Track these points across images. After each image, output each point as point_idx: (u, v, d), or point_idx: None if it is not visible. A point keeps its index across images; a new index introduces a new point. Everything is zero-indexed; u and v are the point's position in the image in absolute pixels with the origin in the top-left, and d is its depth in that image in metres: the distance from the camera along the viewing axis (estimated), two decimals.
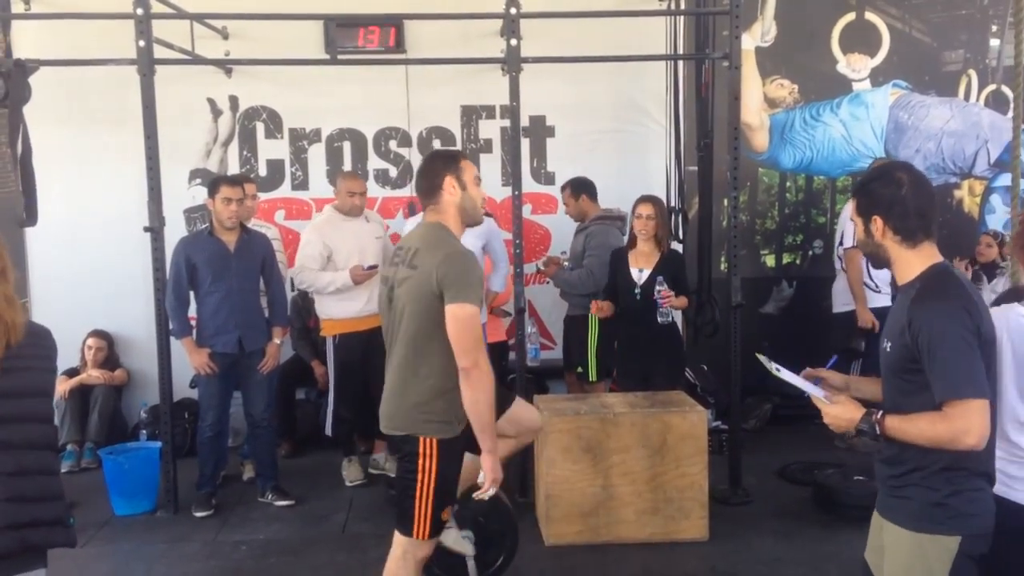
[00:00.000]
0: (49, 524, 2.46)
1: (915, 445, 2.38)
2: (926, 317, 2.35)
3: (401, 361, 3.18)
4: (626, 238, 5.70)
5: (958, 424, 2.27)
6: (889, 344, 2.51)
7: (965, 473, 2.38)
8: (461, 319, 3.02)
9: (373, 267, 5.32)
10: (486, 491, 3.17)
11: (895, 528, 2.48)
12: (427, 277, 3.06)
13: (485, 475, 3.14)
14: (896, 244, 2.49)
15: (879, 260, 2.58)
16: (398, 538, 3.24)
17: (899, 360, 2.45)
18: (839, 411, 2.53)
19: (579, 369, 5.67)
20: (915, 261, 2.48)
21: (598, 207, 5.82)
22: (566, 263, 5.75)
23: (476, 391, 3.04)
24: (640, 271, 5.20)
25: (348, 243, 5.41)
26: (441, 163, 3.32)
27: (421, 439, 3.13)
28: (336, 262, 5.38)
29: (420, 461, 3.12)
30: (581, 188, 5.80)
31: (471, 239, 5.19)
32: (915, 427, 2.35)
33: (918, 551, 2.42)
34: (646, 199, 5.28)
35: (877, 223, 2.50)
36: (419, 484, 3.13)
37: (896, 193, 2.46)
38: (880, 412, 2.43)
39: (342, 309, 5.37)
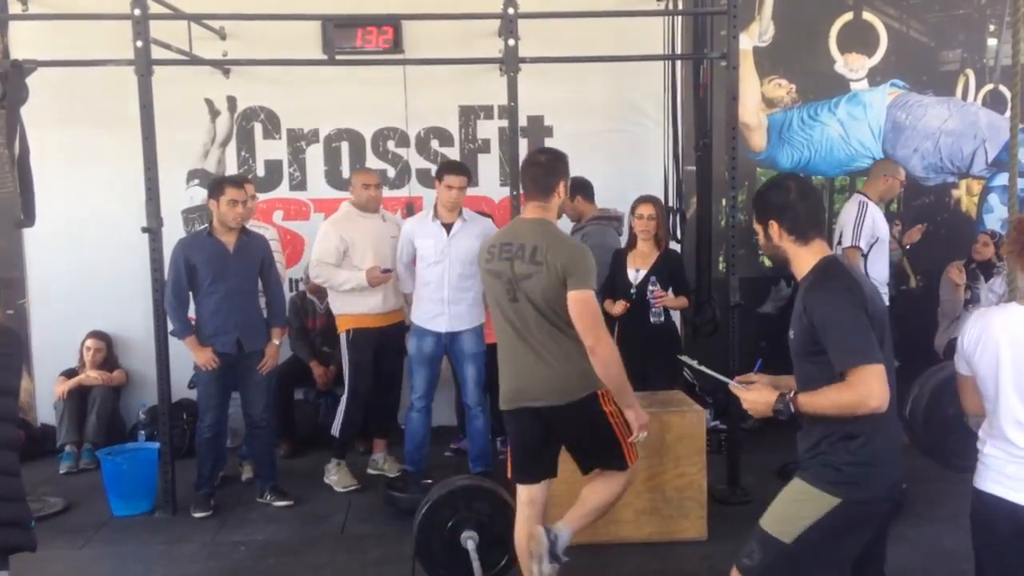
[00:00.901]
0: (9, 525, 2.42)
1: (823, 418, 2.64)
2: (817, 300, 2.64)
3: (547, 343, 3.45)
4: (623, 238, 5.71)
5: (861, 389, 2.51)
6: (792, 332, 2.76)
7: (862, 440, 2.63)
8: (583, 302, 3.38)
9: (388, 271, 5.34)
10: (636, 437, 3.56)
11: (795, 478, 2.78)
12: (555, 271, 3.38)
13: (633, 425, 3.53)
14: (791, 244, 2.78)
15: (779, 260, 2.86)
16: (616, 476, 3.62)
17: (802, 345, 2.70)
18: (755, 396, 2.80)
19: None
20: (808, 257, 2.77)
21: (595, 207, 5.82)
22: None
23: (605, 364, 3.41)
24: (637, 271, 5.23)
25: (365, 239, 5.43)
26: (562, 165, 3.59)
27: (599, 392, 3.51)
28: (352, 257, 5.40)
29: (606, 408, 3.53)
30: (576, 188, 5.78)
31: (470, 240, 5.20)
32: (825, 399, 2.59)
33: (800, 495, 2.73)
34: (646, 199, 5.28)
35: (774, 227, 2.80)
36: (614, 425, 3.54)
37: (787, 199, 2.78)
38: (792, 392, 2.69)
39: (359, 305, 5.39)
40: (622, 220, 5.75)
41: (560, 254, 3.39)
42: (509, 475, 3.74)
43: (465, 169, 5.40)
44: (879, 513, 2.73)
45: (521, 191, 3.76)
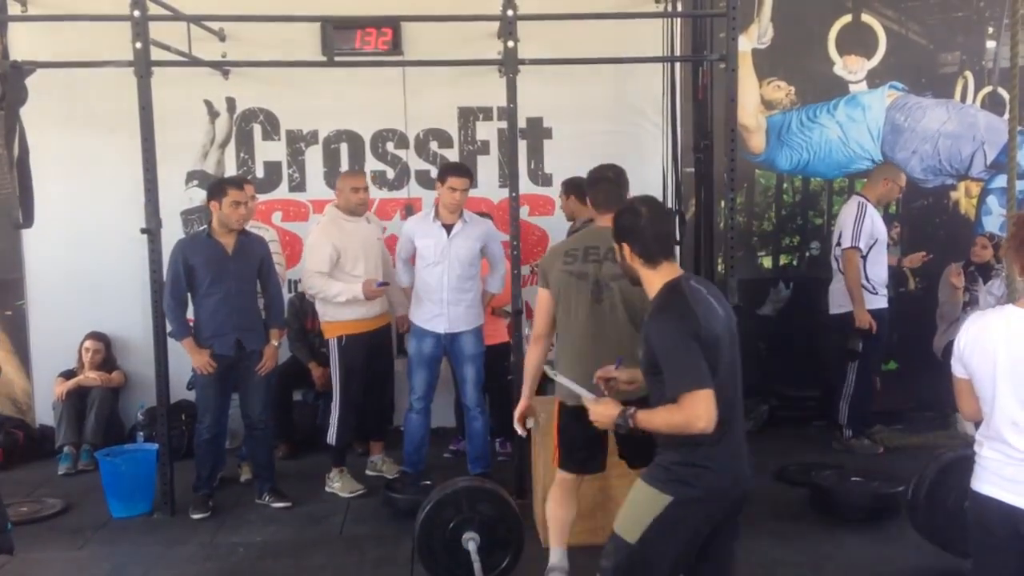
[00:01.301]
0: None
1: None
2: (652, 329, 2.83)
3: (619, 339, 3.62)
4: None
5: (688, 412, 2.70)
6: (640, 351, 2.91)
7: (693, 444, 2.79)
8: None
9: (384, 284, 5.34)
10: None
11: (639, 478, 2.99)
12: None
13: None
14: (641, 266, 2.95)
15: (634, 280, 3.03)
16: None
17: (647, 365, 2.87)
18: (601, 409, 2.97)
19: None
20: (656, 280, 2.92)
21: (587, 209, 5.81)
22: None
23: None
24: None
25: (355, 244, 5.39)
26: (626, 179, 3.94)
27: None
28: (343, 264, 5.35)
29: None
30: (571, 188, 5.79)
31: (470, 241, 5.21)
32: (659, 417, 2.79)
33: (639, 495, 2.92)
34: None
35: (626, 249, 2.98)
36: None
37: (637, 223, 2.94)
38: (633, 408, 2.85)
39: (349, 312, 5.34)
40: None
41: None
42: (557, 463, 3.94)
43: (468, 171, 5.41)
44: (716, 512, 2.88)
45: (591, 199, 4.00)
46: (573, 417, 3.69)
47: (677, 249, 5.91)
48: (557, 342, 3.92)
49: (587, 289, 3.71)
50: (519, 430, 4.02)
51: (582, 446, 3.83)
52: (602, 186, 3.93)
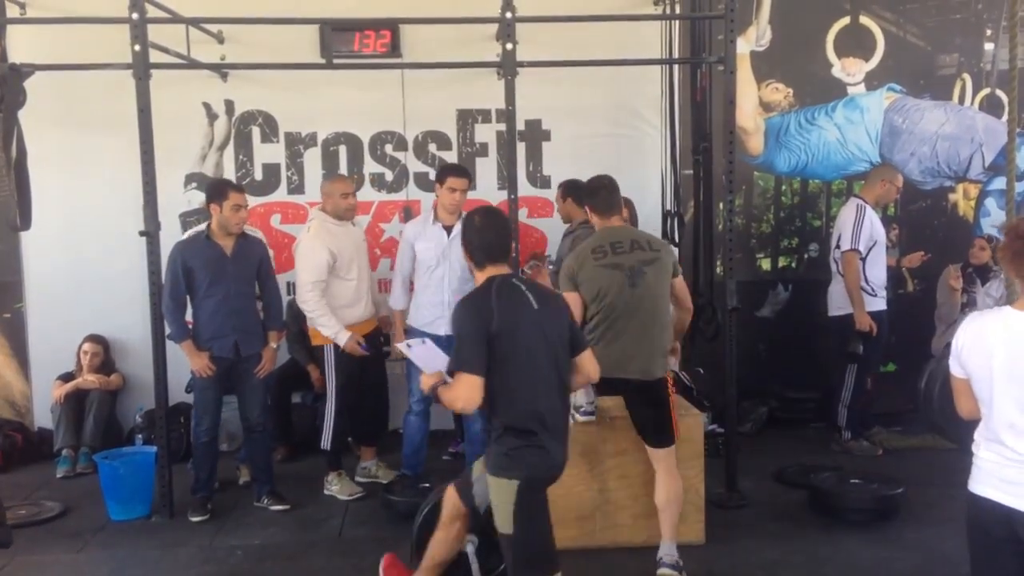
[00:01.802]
0: None
1: (486, 414, 3.35)
2: (454, 314, 3.41)
3: (650, 324, 4.14)
4: None
5: (455, 391, 3.21)
6: None
7: (512, 435, 3.26)
8: (684, 283, 4.41)
9: (367, 349, 5.33)
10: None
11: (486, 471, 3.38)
12: (667, 261, 4.22)
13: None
14: (472, 267, 3.46)
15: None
16: (667, 451, 4.25)
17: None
18: (424, 379, 3.42)
19: None
20: (480, 278, 3.41)
21: (583, 212, 5.82)
22: (551, 266, 5.75)
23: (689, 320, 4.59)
24: None
25: (348, 248, 5.39)
26: (618, 187, 4.42)
27: (668, 375, 4.28)
28: (338, 269, 5.33)
29: (666, 391, 4.25)
30: (569, 190, 5.81)
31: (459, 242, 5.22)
32: (444, 392, 3.25)
33: (496, 488, 3.33)
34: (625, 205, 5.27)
35: (464, 252, 3.48)
36: (672, 405, 4.28)
37: (469, 229, 3.45)
38: (444, 382, 3.30)
39: (342, 318, 5.31)
40: None
41: (666, 245, 4.48)
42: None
43: (467, 171, 5.42)
44: (543, 486, 3.37)
45: (592, 208, 4.41)
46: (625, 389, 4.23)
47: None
48: (599, 334, 4.12)
49: (623, 277, 4.10)
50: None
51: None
52: (602, 193, 4.37)
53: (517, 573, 3.34)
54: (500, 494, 3.31)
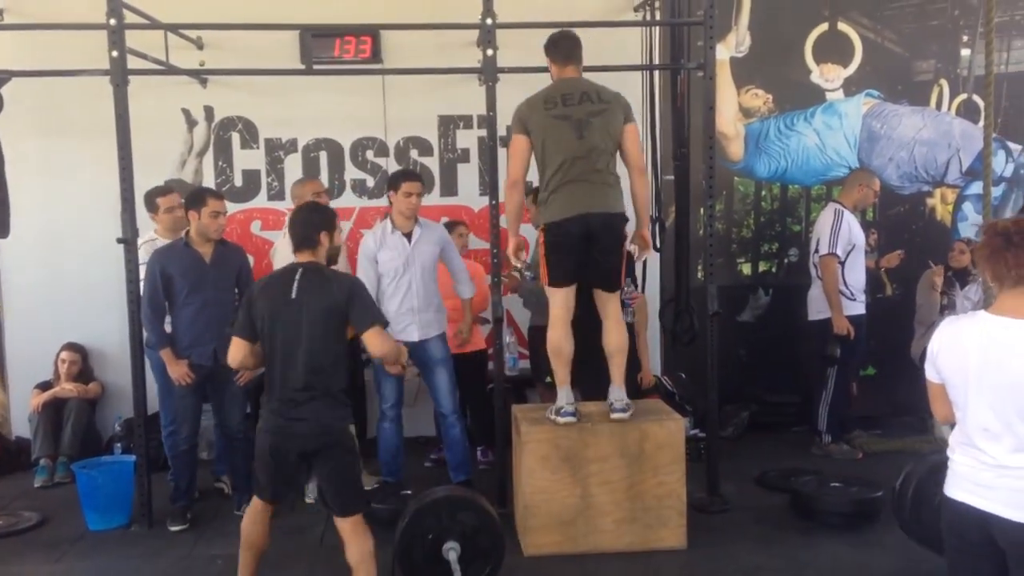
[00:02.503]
0: None
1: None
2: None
3: (602, 169, 4.38)
4: None
5: (228, 352, 3.84)
6: None
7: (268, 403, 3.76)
8: (636, 133, 4.60)
9: None
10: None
11: None
12: (615, 111, 4.42)
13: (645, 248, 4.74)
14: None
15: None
16: (614, 297, 4.59)
17: None
18: None
19: (548, 379, 5.68)
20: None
21: None
22: (527, 273, 5.75)
23: (645, 183, 4.64)
24: None
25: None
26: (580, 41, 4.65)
27: (619, 215, 4.51)
28: None
29: (618, 235, 4.55)
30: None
31: (431, 246, 5.24)
32: None
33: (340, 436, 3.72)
34: None
35: None
36: (622, 254, 4.65)
37: (291, 219, 3.98)
38: None
39: None
40: None
41: (619, 98, 4.48)
42: (547, 282, 4.52)
43: (419, 175, 5.42)
44: (282, 445, 3.71)
45: (553, 59, 4.60)
46: (570, 232, 4.38)
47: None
48: (541, 181, 4.47)
49: (570, 128, 4.32)
50: (514, 261, 4.64)
51: (568, 260, 4.47)
52: (563, 43, 4.58)
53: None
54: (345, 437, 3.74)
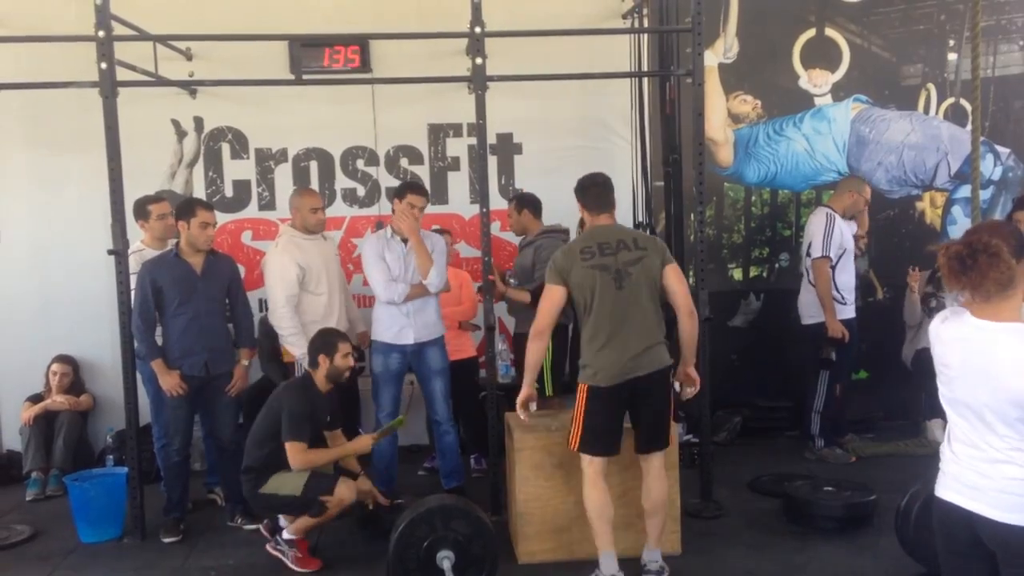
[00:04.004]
0: None
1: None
2: None
3: (644, 318, 4.16)
4: None
5: None
6: None
7: None
8: (679, 271, 4.31)
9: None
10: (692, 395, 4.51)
11: None
12: (653, 258, 4.19)
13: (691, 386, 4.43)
14: None
15: None
16: (659, 456, 4.26)
17: None
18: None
19: (535, 386, 5.68)
20: None
21: (540, 223, 5.86)
22: (512, 280, 5.75)
23: (695, 325, 4.31)
24: None
25: (317, 262, 5.40)
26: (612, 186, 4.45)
27: (669, 368, 4.26)
28: (307, 283, 5.34)
29: (668, 387, 4.28)
30: (524, 203, 5.84)
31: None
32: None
33: None
34: None
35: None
36: (671, 403, 4.31)
37: None
38: None
39: (311, 334, 5.26)
40: (568, 234, 5.81)
41: (655, 241, 4.38)
42: (577, 447, 4.22)
43: (426, 190, 5.43)
44: None
45: (584, 205, 4.39)
46: (614, 398, 4.14)
47: None
48: (583, 333, 4.23)
49: (610, 279, 4.13)
50: (521, 415, 4.36)
51: (618, 426, 4.23)
52: (593, 191, 4.36)
53: None
54: None
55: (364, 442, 4.82)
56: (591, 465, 4.19)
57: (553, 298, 4.19)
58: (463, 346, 5.89)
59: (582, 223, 5.56)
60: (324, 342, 4.73)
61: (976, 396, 2.62)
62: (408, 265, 5.23)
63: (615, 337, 4.12)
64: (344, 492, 4.54)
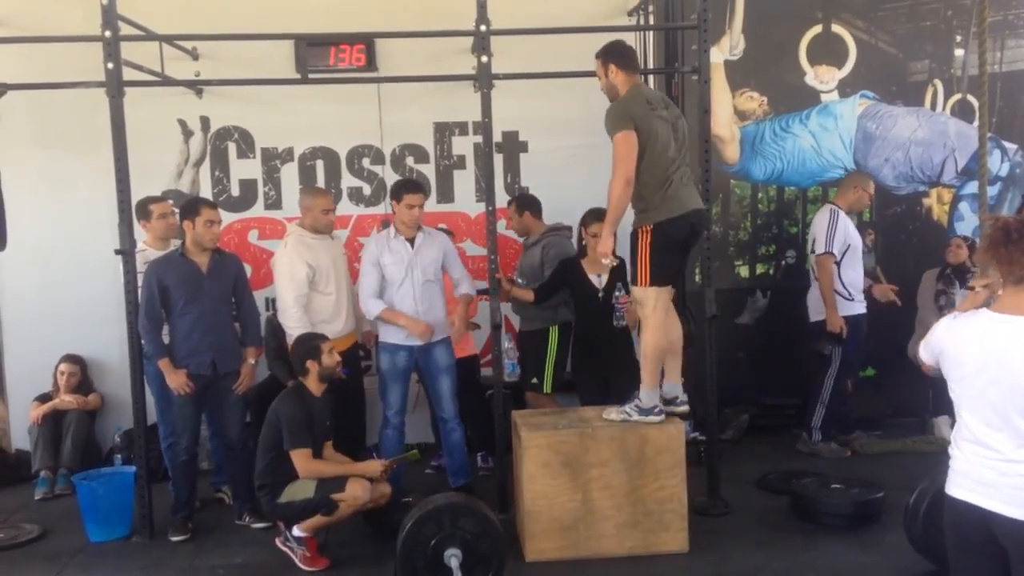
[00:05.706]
0: None
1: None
2: None
3: (692, 165, 4.66)
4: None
5: None
6: None
7: None
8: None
9: (346, 372, 5.27)
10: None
11: None
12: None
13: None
14: None
15: None
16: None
17: None
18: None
19: (533, 380, 5.70)
20: None
21: (542, 224, 5.87)
22: (519, 280, 5.77)
23: None
24: (599, 276, 5.51)
25: (325, 262, 5.41)
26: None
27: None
28: (316, 283, 5.34)
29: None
30: (524, 204, 5.88)
31: (433, 251, 5.26)
32: None
33: None
34: (598, 218, 5.29)
35: None
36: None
37: None
38: None
39: (325, 332, 5.28)
40: (571, 231, 5.82)
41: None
42: (648, 283, 4.50)
43: (422, 187, 5.46)
44: None
45: (621, 66, 4.58)
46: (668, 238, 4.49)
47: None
48: (645, 178, 4.41)
49: (670, 130, 4.47)
50: (606, 260, 4.57)
51: (673, 263, 4.64)
52: (629, 52, 4.73)
53: None
54: None
55: (374, 467, 4.79)
56: (659, 300, 4.50)
57: (632, 142, 4.36)
58: (464, 344, 5.89)
59: (583, 223, 5.60)
60: (306, 348, 4.75)
61: (998, 392, 2.62)
62: (412, 265, 5.23)
63: (674, 178, 4.45)
64: (358, 491, 4.54)
